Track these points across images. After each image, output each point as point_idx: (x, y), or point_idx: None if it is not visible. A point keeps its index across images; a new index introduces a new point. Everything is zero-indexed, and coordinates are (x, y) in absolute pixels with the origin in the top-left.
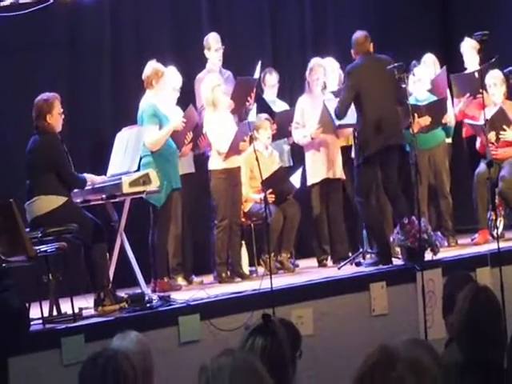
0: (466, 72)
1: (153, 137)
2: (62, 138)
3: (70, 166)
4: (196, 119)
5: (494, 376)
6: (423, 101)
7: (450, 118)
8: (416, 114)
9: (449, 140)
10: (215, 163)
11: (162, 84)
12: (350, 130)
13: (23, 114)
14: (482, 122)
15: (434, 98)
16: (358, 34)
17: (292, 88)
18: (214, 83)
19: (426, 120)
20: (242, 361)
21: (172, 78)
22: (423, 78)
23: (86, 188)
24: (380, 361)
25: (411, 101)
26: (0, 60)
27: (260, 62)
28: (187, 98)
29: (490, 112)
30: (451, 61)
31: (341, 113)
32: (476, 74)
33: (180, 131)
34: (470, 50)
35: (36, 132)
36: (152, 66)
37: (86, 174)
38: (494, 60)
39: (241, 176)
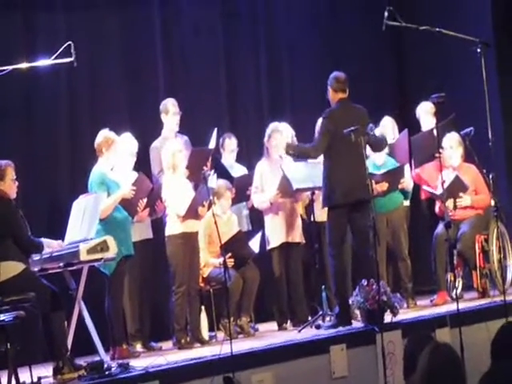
0: (424, 132)
1: None
2: (17, 205)
3: (26, 231)
4: (148, 186)
5: None
6: (381, 165)
7: (406, 183)
8: (373, 181)
9: (407, 203)
10: (173, 228)
11: (112, 151)
12: (308, 193)
13: None
14: (439, 189)
15: (393, 162)
16: (339, 73)
17: (249, 152)
18: (175, 149)
19: (382, 186)
20: None
21: (128, 143)
22: None
23: (44, 256)
24: None
25: (369, 164)
26: None
27: (216, 130)
28: (142, 164)
29: (446, 174)
30: (408, 124)
31: (315, 156)
32: (434, 132)
33: (131, 199)
34: (425, 114)
35: None
36: (103, 134)
37: (42, 239)
38: (451, 117)
39: (199, 241)
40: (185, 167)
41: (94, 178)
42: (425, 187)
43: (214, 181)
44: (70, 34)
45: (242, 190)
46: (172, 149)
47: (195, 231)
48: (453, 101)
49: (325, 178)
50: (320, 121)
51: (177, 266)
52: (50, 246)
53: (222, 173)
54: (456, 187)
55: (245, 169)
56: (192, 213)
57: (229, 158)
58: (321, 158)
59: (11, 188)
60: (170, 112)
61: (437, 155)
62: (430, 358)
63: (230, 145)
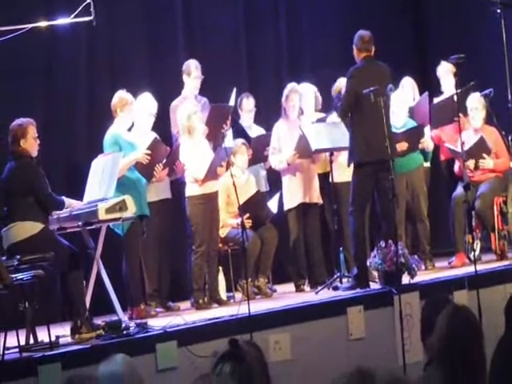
0: (445, 98)
1: None
2: (38, 163)
3: (47, 188)
4: (165, 151)
5: None
6: (401, 126)
7: (427, 143)
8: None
9: (427, 164)
10: (192, 189)
11: (127, 112)
12: (327, 154)
13: None
14: (460, 148)
15: (412, 123)
16: (364, 32)
17: (268, 113)
18: (190, 110)
19: (402, 145)
20: None
21: (147, 103)
22: (400, 102)
23: (63, 215)
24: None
25: None
26: None
27: (235, 89)
28: (162, 124)
29: (467, 136)
30: (428, 85)
31: (342, 117)
32: (455, 98)
33: (147, 163)
34: (446, 74)
35: (12, 158)
36: (118, 95)
37: (64, 197)
38: (471, 84)
39: (218, 201)
40: (202, 127)
41: (107, 139)
42: (446, 144)
43: (230, 140)
44: None
45: (259, 151)
46: (187, 111)
47: (215, 191)
48: (472, 62)
49: (350, 136)
50: (339, 80)
51: (197, 225)
52: (71, 205)
53: (240, 133)
54: (479, 148)
55: (262, 130)
56: (211, 175)
57: (247, 118)
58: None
59: (33, 146)
60: (192, 75)
61: (456, 119)
62: (449, 321)
63: (248, 105)
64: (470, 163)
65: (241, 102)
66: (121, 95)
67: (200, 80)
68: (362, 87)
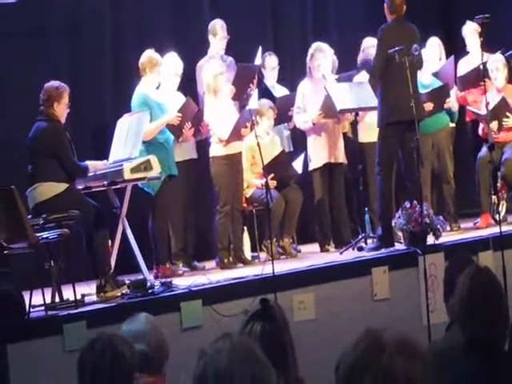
0: (471, 69)
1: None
2: (65, 127)
3: (71, 155)
4: (194, 109)
5: (495, 358)
6: (428, 85)
7: (452, 103)
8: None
9: (452, 124)
10: (216, 149)
11: (155, 72)
12: (352, 114)
13: (25, 100)
14: (483, 111)
15: (438, 83)
16: None
17: (292, 73)
18: (216, 71)
19: (428, 106)
20: (240, 344)
21: (173, 63)
22: (428, 60)
23: (89, 174)
24: (369, 346)
25: None
26: (1, 46)
27: (260, 48)
28: (187, 84)
29: (491, 97)
30: (454, 45)
31: (377, 71)
32: (481, 67)
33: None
34: (471, 34)
35: (41, 118)
36: (147, 54)
37: (87, 162)
38: (499, 52)
39: (242, 162)
40: (228, 88)
41: (136, 98)
42: (469, 108)
43: (255, 101)
44: None
45: (283, 111)
46: (213, 71)
47: (238, 152)
48: (498, 22)
49: (379, 98)
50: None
51: (221, 186)
52: (96, 167)
53: (265, 93)
54: (502, 109)
55: (286, 90)
56: (235, 135)
57: (270, 77)
58: (366, 77)
59: (63, 112)
60: (218, 35)
61: (481, 83)
62: (470, 283)
63: (271, 63)
64: (494, 125)
65: (264, 60)
66: (151, 55)
67: (226, 40)
68: (391, 48)
